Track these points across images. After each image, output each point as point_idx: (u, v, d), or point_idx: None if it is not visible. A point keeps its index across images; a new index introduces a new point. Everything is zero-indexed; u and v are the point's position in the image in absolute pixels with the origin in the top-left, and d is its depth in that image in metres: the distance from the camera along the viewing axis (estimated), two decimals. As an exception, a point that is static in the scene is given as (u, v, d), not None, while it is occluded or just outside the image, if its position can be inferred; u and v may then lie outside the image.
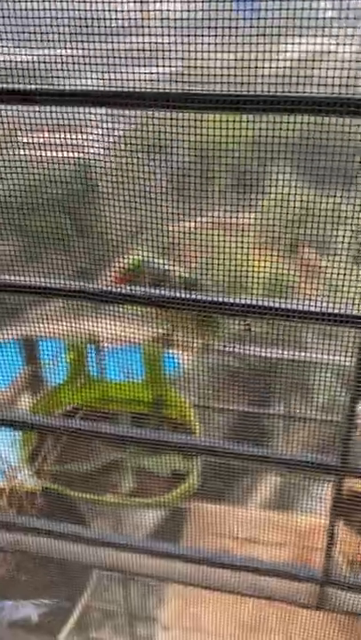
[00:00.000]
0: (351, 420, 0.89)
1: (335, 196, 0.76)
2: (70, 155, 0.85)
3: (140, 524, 1.54)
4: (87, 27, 0.71)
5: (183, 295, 0.84)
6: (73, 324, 0.99)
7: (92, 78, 0.75)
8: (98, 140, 0.81)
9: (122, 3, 0.69)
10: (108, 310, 0.95)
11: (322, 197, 0.76)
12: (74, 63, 0.73)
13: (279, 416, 1.56)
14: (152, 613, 1.64)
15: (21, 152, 0.84)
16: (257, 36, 0.68)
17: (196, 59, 0.70)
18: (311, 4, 0.65)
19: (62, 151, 0.84)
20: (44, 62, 0.75)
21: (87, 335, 1.01)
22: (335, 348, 0.88)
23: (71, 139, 0.82)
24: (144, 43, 0.71)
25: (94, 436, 1.05)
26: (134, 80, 0.73)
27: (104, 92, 0.76)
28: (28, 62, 0.76)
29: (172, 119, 0.75)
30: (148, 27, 0.71)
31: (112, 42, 0.72)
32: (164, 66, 0.71)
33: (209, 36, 0.68)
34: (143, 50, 0.71)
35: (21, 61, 0.76)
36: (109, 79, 0.74)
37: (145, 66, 0.72)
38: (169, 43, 0.69)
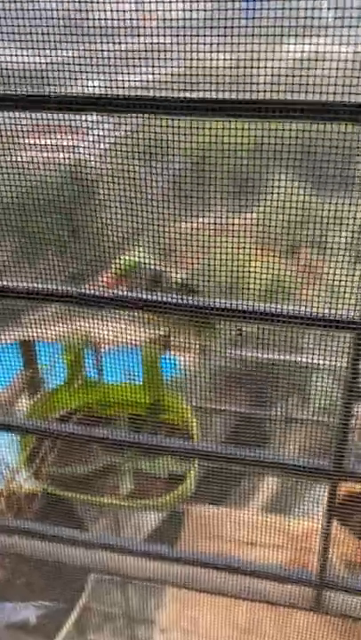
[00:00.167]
0: (345, 423, 0.89)
1: (337, 197, 0.77)
2: (67, 157, 0.85)
3: (137, 527, 1.55)
4: (83, 28, 0.72)
5: (178, 300, 0.84)
6: (70, 327, 1.00)
7: (88, 79, 0.75)
8: (95, 142, 0.81)
9: (117, 3, 0.69)
10: (106, 313, 0.95)
11: (323, 199, 0.77)
12: (73, 64, 0.73)
13: (277, 418, 1.56)
14: (150, 616, 1.65)
15: (14, 155, 0.84)
16: (259, 35, 0.68)
17: (192, 59, 0.70)
18: (310, 4, 0.65)
19: (58, 152, 0.85)
20: (41, 64, 0.76)
21: (84, 337, 1.01)
22: (332, 350, 0.89)
23: (69, 139, 0.82)
24: (142, 44, 0.71)
25: (91, 440, 1.06)
26: (129, 83, 0.74)
27: (99, 98, 0.77)
28: (24, 65, 0.76)
29: (170, 124, 0.75)
30: (144, 27, 0.71)
31: (107, 43, 0.72)
32: (160, 66, 0.72)
33: (211, 36, 0.68)
34: (139, 51, 0.72)
35: (18, 64, 0.76)
36: (106, 80, 0.74)
37: (145, 66, 0.72)
38: (170, 43, 0.70)
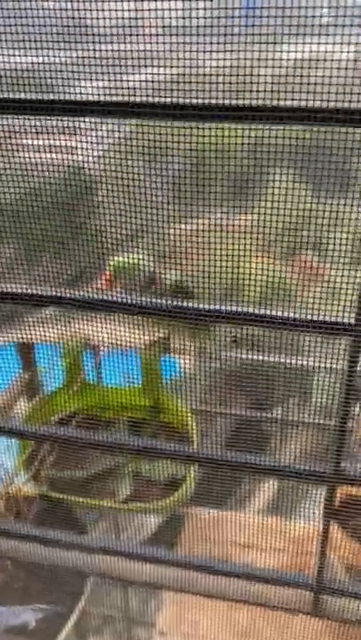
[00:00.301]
0: (342, 427, 0.89)
1: (338, 199, 0.76)
2: (65, 159, 0.85)
3: (137, 530, 1.54)
4: (80, 28, 0.71)
5: (173, 304, 0.84)
6: (69, 329, 1.00)
7: (85, 80, 0.75)
8: (93, 143, 0.81)
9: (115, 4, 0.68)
10: (105, 315, 0.95)
11: (322, 201, 0.76)
12: (72, 65, 0.73)
13: (275, 421, 1.56)
14: (149, 619, 1.64)
15: (9, 157, 0.84)
16: (259, 35, 0.68)
17: (191, 60, 0.70)
18: (309, 5, 0.65)
19: (55, 154, 0.85)
20: (38, 64, 0.75)
21: (83, 340, 1.01)
22: (331, 352, 0.88)
23: (65, 140, 0.82)
24: (141, 46, 0.71)
25: (90, 445, 1.05)
26: (128, 84, 0.74)
27: (97, 102, 0.76)
28: (21, 66, 0.76)
29: (168, 125, 0.75)
30: (143, 30, 0.71)
31: (106, 44, 0.72)
32: (158, 66, 0.72)
33: (212, 40, 0.68)
34: (138, 51, 0.71)
35: (15, 66, 0.76)
36: (105, 82, 0.74)
37: (144, 67, 0.72)
38: (168, 43, 0.69)
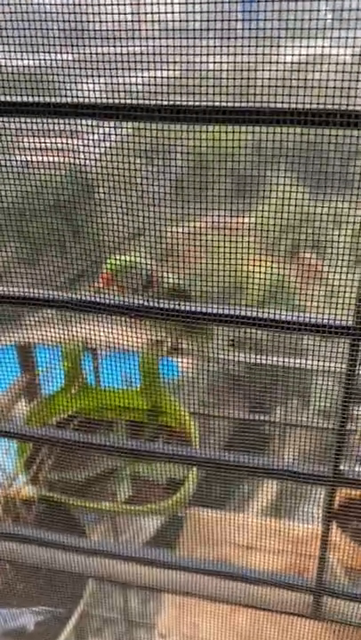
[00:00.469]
0: (342, 429, 0.89)
1: (336, 201, 0.76)
2: (63, 160, 0.85)
3: (137, 532, 1.54)
4: (80, 31, 0.71)
5: (170, 306, 0.84)
6: (68, 331, 0.99)
7: (86, 82, 0.75)
8: (91, 146, 0.81)
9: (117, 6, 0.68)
10: (104, 317, 0.95)
11: (322, 202, 0.76)
12: (71, 67, 0.73)
13: (275, 423, 1.56)
14: (149, 621, 1.64)
15: (8, 159, 0.84)
16: (263, 38, 0.67)
17: (189, 62, 0.70)
18: (310, 6, 0.65)
19: (54, 156, 0.84)
20: (39, 67, 0.75)
21: (82, 342, 1.01)
22: (331, 354, 0.88)
23: (63, 143, 0.82)
24: (139, 47, 0.71)
25: (89, 447, 1.05)
26: (126, 87, 0.73)
27: (96, 105, 0.76)
28: (20, 68, 0.76)
29: (167, 127, 0.75)
30: (139, 30, 0.71)
31: (106, 47, 0.72)
32: (155, 69, 0.71)
33: (215, 41, 0.68)
34: (139, 54, 0.71)
35: (14, 67, 0.76)
36: (104, 84, 0.74)
37: (142, 69, 0.72)
38: (168, 46, 0.69)
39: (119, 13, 0.69)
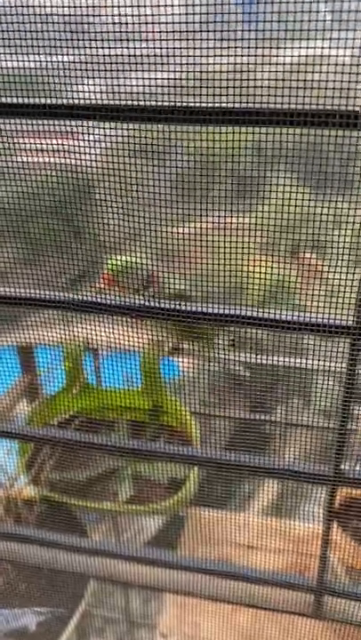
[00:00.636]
0: (343, 428, 0.89)
1: (337, 201, 0.76)
2: (63, 160, 0.85)
3: (138, 532, 1.54)
4: (80, 33, 0.72)
5: (174, 307, 0.84)
6: (69, 332, 1.00)
7: (85, 84, 0.75)
8: (92, 147, 0.81)
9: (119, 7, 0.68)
10: (104, 317, 0.95)
11: (323, 202, 0.76)
12: (72, 69, 0.73)
13: (276, 422, 1.56)
14: (150, 621, 1.64)
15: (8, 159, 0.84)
16: (262, 39, 0.68)
17: (186, 63, 0.70)
18: (310, 7, 0.65)
19: (51, 157, 0.85)
20: (40, 69, 0.75)
21: (84, 342, 1.01)
22: (331, 354, 0.88)
23: (61, 144, 0.82)
24: (140, 49, 0.71)
25: (91, 447, 1.05)
26: (127, 88, 0.74)
27: (95, 106, 0.76)
28: (22, 70, 0.76)
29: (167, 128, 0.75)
30: (140, 33, 0.71)
31: (107, 48, 0.72)
32: (155, 70, 0.72)
33: (215, 42, 0.68)
34: (136, 55, 0.72)
35: (14, 68, 0.76)
36: (105, 86, 0.74)
37: (143, 71, 0.72)
38: (168, 48, 0.69)
39: (119, 15, 0.69)
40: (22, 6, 0.71)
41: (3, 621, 1.47)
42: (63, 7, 0.71)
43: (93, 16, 0.70)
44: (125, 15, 0.69)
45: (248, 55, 0.69)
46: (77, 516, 1.47)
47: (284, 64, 0.71)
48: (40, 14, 0.71)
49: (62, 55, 0.73)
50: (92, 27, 0.71)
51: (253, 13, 0.69)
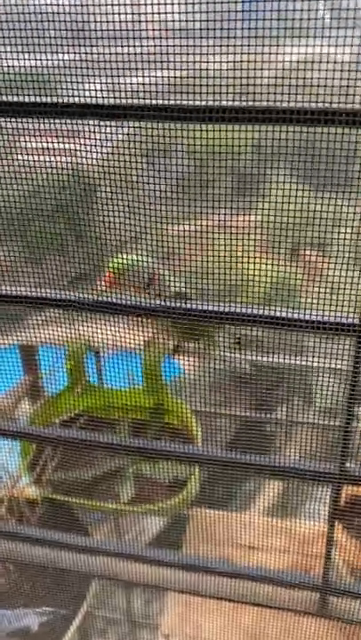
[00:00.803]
0: (347, 427, 0.89)
1: (339, 199, 0.76)
2: (66, 161, 0.85)
3: (140, 532, 1.54)
4: (82, 31, 0.72)
5: (176, 305, 0.84)
6: (71, 331, 1.00)
7: (88, 82, 0.75)
8: (95, 146, 0.81)
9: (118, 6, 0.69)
10: (106, 317, 0.95)
11: (322, 200, 0.76)
12: (74, 67, 0.74)
13: (279, 421, 1.56)
14: (153, 621, 1.64)
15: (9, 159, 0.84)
16: (262, 37, 0.68)
17: (186, 61, 0.71)
18: (309, 6, 0.65)
19: (56, 157, 0.85)
20: (41, 68, 0.76)
21: (86, 341, 1.01)
22: (336, 352, 0.88)
23: (66, 143, 0.82)
24: (143, 47, 0.71)
25: (93, 446, 1.05)
26: (129, 87, 0.74)
27: (96, 105, 0.77)
28: (23, 69, 0.76)
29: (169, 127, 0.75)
30: (140, 31, 0.71)
31: (108, 47, 0.72)
32: (161, 69, 0.72)
33: (215, 41, 0.68)
34: (137, 54, 0.72)
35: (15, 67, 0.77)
36: (106, 84, 0.74)
37: (143, 69, 0.73)
38: (168, 46, 0.70)
39: (120, 14, 0.69)
40: (24, 5, 0.71)
41: (5, 622, 1.47)
42: (64, 5, 0.71)
43: (94, 15, 0.71)
44: (126, 14, 0.70)
45: (248, 53, 0.70)
46: (79, 517, 1.47)
47: (283, 62, 0.71)
48: (41, 12, 0.71)
49: (65, 54, 0.73)
50: (94, 25, 0.71)
51: (253, 12, 0.69)
